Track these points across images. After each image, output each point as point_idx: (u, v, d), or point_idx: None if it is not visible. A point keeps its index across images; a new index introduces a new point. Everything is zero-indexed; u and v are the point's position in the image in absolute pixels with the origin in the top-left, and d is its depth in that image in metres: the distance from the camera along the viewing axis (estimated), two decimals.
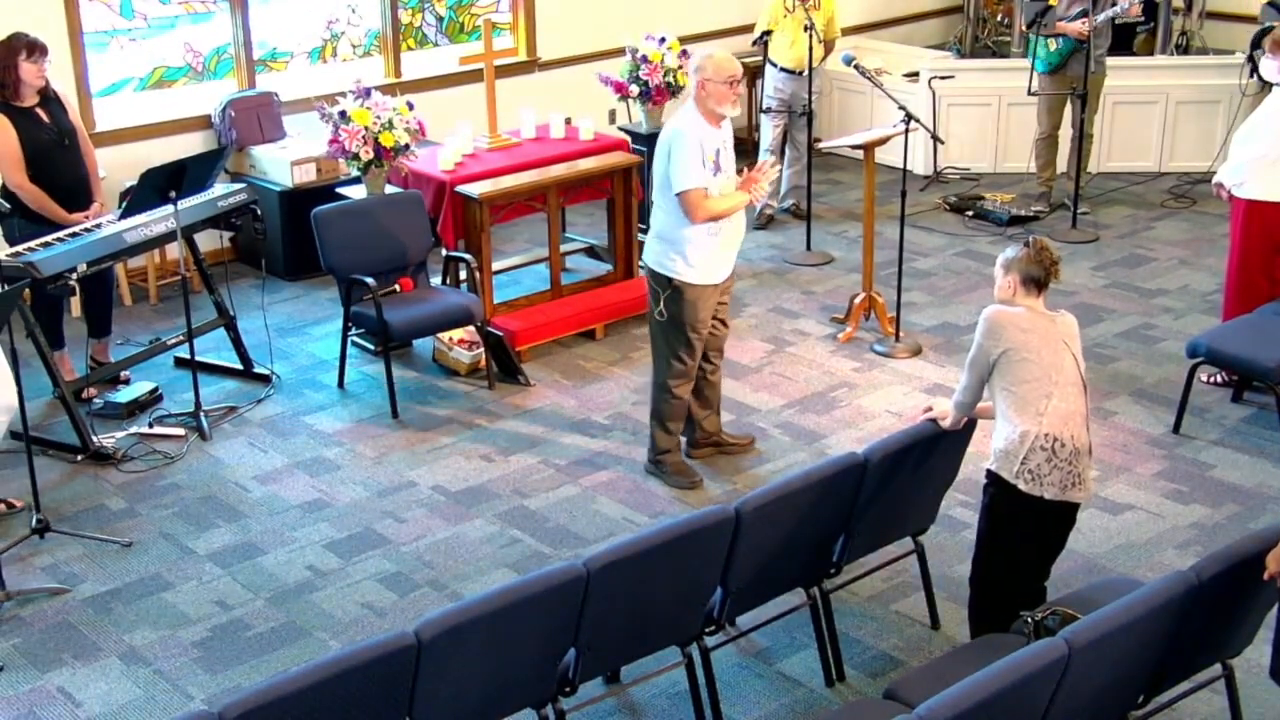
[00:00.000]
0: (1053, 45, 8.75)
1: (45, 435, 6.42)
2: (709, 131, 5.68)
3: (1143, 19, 9.83)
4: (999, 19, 11.05)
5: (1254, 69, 8.81)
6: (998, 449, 4.49)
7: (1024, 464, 4.42)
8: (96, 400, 6.73)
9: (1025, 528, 4.52)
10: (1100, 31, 8.67)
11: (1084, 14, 8.57)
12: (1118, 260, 8.49)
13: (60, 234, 6.35)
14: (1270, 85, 6.72)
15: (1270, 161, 6.47)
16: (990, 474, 4.53)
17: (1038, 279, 4.50)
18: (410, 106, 7.32)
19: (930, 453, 4.79)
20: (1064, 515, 4.54)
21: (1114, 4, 8.65)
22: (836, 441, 6.39)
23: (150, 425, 6.58)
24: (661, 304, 5.84)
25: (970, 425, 4.86)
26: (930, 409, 4.80)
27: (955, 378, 4.68)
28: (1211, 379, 6.81)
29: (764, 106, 9.08)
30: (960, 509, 5.74)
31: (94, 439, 6.31)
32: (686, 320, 5.84)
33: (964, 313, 7.68)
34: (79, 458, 6.27)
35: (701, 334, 5.90)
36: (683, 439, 6.20)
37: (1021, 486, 4.43)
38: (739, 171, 5.87)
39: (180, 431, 6.52)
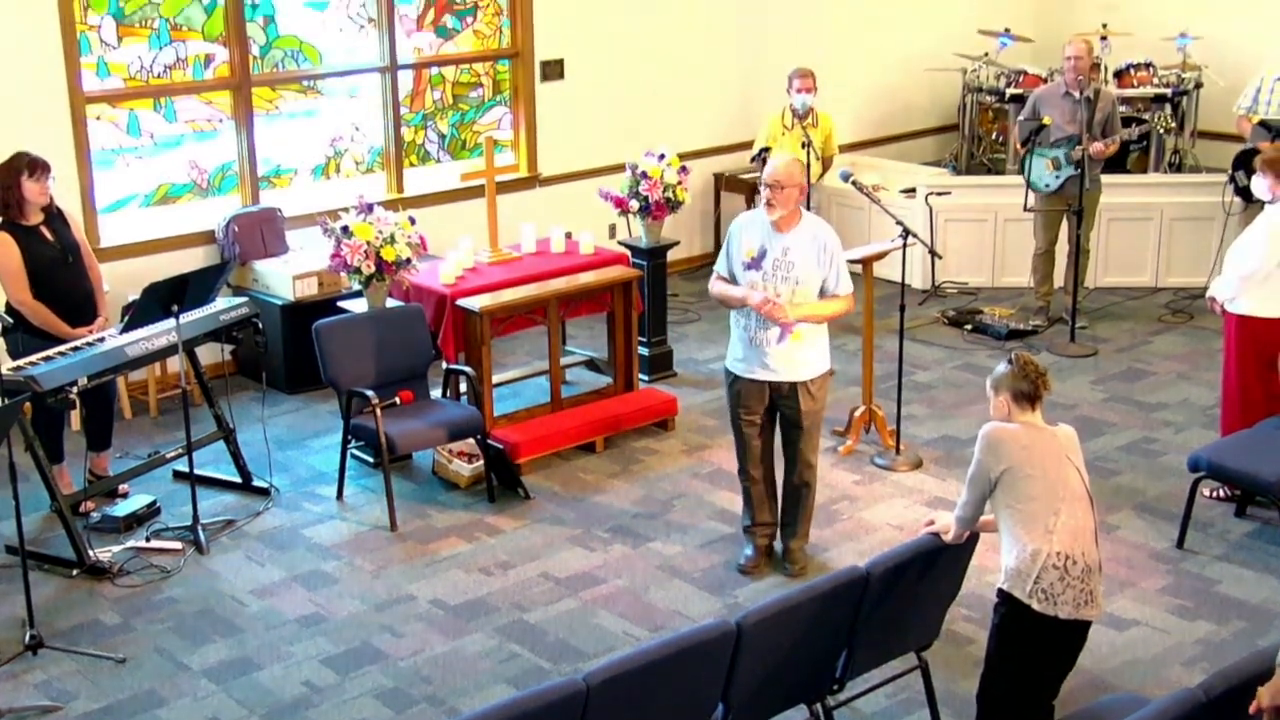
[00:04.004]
0: (1050, 168, 8.85)
1: (42, 549, 6.37)
2: (762, 229, 5.95)
3: (1136, 139, 9.97)
4: (994, 136, 11.21)
5: (1237, 188, 8.91)
6: (1009, 567, 4.45)
7: (1037, 583, 4.37)
8: (94, 514, 6.69)
9: (1039, 648, 4.46)
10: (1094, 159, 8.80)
11: (1078, 141, 8.68)
12: (1117, 374, 8.51)
13: (62, 348, 6.37)
14: (1260, 202, 6.80)
15: (1262, 277, 6.52)
16: (1002, 593, 4.48)
17: (1028, 394, 4.51)
18: (412, 221, 7.38)
19: (933, 566, 4.75)
20: (1077, 634, 4.49)
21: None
22: (838, 554, 6.35)
23: (147, 539, 6.54)
24: None
25: (973, 538, 4.83)
26: (932, 522, 4.78)
27: (957, 490, 4.67)
28: (1214, 493, 6.78)
29: None
30: (964, 624, 5.68)
31: (90, 553, 6.26)
32: (726, 402, 6.27)
33: (965, 426, 7.68)
34: (75, 572, 6.22)
35: (738, 425, 6.16)
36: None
37: (1035, 606, 4.38)
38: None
39: (177, 545, 6.47)
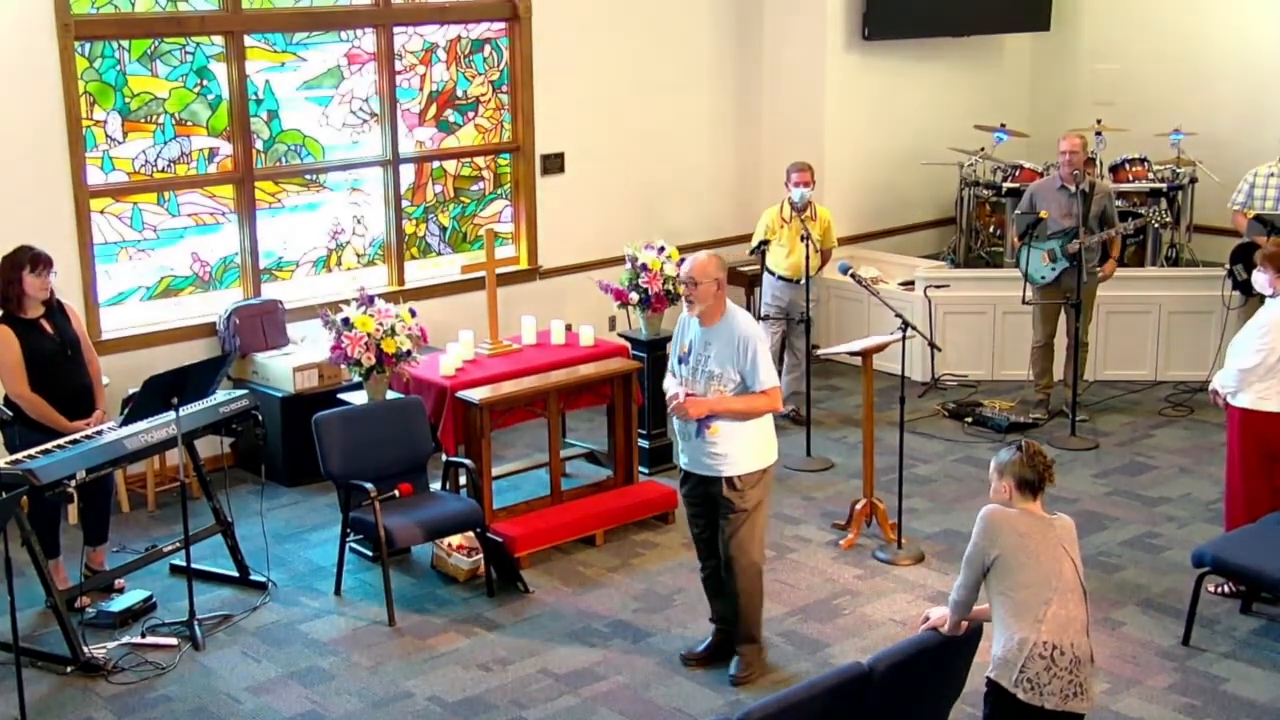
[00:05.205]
0: (1046, 261, 8.90)
1: (36, 646, 6.29)
2: (693, 324, 5.97)
3: (1132, 232, 10.04)
4: (991, 230, 11.28)
5: (1235, 282, 8.95)
6: (997, 656, 4.45)
7: (1022, 672, 4.36)
8: (89, 609, 6.63)
9: None
10: (1091, 248, 8.87)
11: (1074, 234, 8.74)
12: (1118, 467, 8.49)
13: (60, 441, 6.35)
14: (1260, 296, 6.82)
15: (1264, 371, 6.52)
16: (990, 682, 4.48)
17: (1032, 483, 4.51)
18: (413, 313, 7.40)
19: (937, 662, 4.70)
20: None
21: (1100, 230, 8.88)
22: (840, 650, 6.29)
23: (143, 635, 6.47)
24: None
25: (976, 634, 4.79)
26: (928, 618, 4.75)
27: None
28: (1219, 589, 6.73)
29: (762, 314, 9.20)
30: None
31: (85, 649, 6.19)
32: None
33: (966, 519, 7.61)
34: (68, 669, 6.14)
35: (687, 516, 6.19)
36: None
37: (1021, 696, 4.36)
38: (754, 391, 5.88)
39: (173, 641, 6.40)
